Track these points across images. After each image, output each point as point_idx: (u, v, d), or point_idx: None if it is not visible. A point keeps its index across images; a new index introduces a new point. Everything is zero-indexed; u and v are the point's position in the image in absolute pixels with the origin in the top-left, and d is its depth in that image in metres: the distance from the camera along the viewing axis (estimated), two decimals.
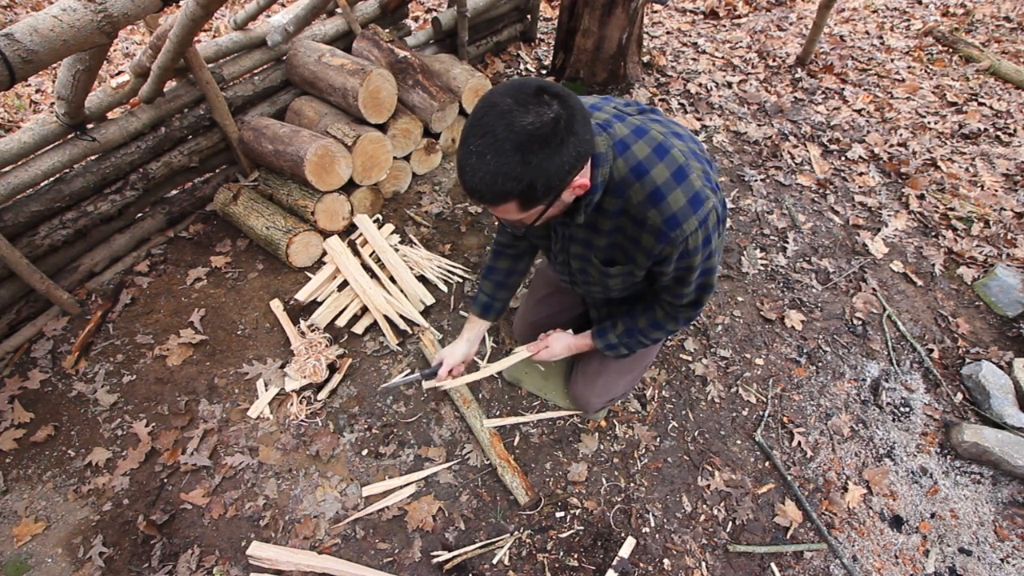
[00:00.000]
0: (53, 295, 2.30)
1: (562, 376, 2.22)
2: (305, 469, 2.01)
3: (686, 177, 1.20)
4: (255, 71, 2.82)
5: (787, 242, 2.89)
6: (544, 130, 0.94)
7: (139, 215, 2.64)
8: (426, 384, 2.10)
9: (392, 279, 2.56)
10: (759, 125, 3.66)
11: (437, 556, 1.80)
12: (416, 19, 4.70)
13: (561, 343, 1.80)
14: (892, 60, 4.44)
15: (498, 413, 2.16)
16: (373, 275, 2.56)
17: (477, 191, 1.00)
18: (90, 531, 1.85)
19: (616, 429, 2.14)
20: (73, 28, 1.39)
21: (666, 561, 1.84)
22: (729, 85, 4.06)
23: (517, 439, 2.10)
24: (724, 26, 4.95)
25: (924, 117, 3.81)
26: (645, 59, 4.14)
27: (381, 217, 2.88)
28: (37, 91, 3.94)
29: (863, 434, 2.21)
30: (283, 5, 4.30)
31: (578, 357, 2.03)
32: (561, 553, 1.84)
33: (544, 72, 4.04)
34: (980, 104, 3.96)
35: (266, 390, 2.20)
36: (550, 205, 1.09)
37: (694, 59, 4.34)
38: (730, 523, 1.95)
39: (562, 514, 1.93)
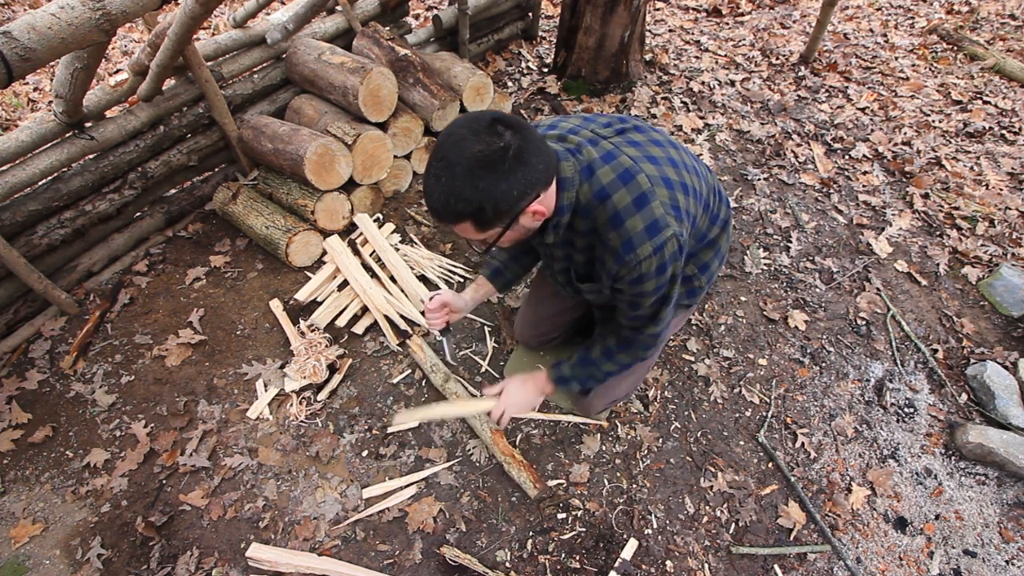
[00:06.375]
0: (51, 295, 2.29)
1: None
2: (305, 470, 2.00)
3: (647, 203, 1.24)
4: (254, 69, 2.80)
5: (790, 241, 2.87)
6: (492, 157, 1.03)
7: (138, 214, 2.63)
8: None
9: (392, 279, 2.54)
10: (762, 123, 3.64)
11: (442, 551, 1.79)
12: (417, 17, 4.68)
13: (513, 387, 1.68)
14: (896, 58, 4.41)
15: None
16: (373, 275, 2.55)
17: (435, 210, 1.12)
18: (88, 532, 1.84)
19: (618, 430, 2.13)
20: (71, 26, 1.37)
21: (668, 563, 1.83)
22: (732, 83, 4.03)
23: (519, 440, 2.09)
24: (727, 24, 4.92)
25: (928, 115, 3.79)
26: (647, 57, 4.12)
27: (382, 216, 2.87)
28: (35, 89, 3.92)
29: (867, 435, 2.19)
30: (283, 3, 4.28)
31: None
32: (563, 555, 1.83)
33: (546, 70, 4.02)
34: (985, 102, 3.93)
35: (266, 391, 2.19)
36: (508, 228, 1.18)
37: (697, 57, 4.31)
38: (733, 525, 1.93)
39: (564, 515, 1.91)
